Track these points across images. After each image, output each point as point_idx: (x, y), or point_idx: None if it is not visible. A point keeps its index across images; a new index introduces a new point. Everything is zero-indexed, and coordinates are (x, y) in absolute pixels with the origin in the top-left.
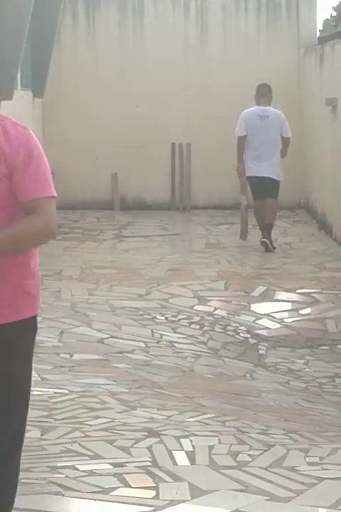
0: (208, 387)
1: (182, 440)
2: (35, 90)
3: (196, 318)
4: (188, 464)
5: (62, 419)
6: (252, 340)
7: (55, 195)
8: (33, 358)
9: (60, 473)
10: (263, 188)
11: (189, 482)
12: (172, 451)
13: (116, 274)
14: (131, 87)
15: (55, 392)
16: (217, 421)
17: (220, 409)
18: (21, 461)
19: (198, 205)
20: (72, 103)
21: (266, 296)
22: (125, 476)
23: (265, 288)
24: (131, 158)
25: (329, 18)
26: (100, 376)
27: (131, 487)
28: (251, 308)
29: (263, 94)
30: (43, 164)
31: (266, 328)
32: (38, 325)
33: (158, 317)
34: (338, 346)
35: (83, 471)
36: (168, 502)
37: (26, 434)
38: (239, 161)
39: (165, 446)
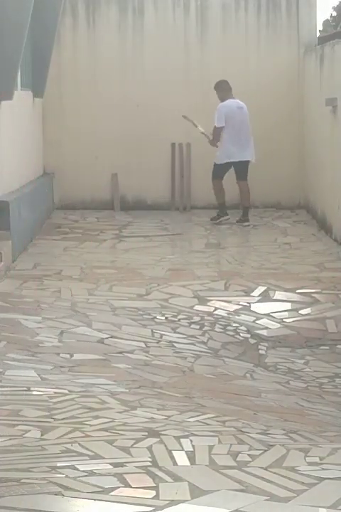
0: (208, 387)
1: (182, 440)
2: (35, 90)
3: (196, 318)
4: (188, 463)
5: (62, 419)
6: (252, 340)
7: None
8: (33, 357)
9: (60, 473)
10: (238, 170)
11: (189, 482)
12: (172, 451)
13: (116, 274)
14: (131, 87)
15: (55, 392)
16: (217, 421)
17: (220, 409)
18: (21, 461)
19: (198, 205)
20: (72, 103)
21: (266, 296)
22: (125, 476)
23: (265, 288)
24: (131, 158)
25: (329, 18)
26: (100, 376)
27: (131, 487)
28: (251, 308)
29: (229, 88)
30: None
31: (266, 328)
32: (38, 325)
33: (158, 317)
34: (338, 346)
35: (83, 471)
36: (168, 502)
37: (26, 434)
38: (214, 145)
39: (165, 446)
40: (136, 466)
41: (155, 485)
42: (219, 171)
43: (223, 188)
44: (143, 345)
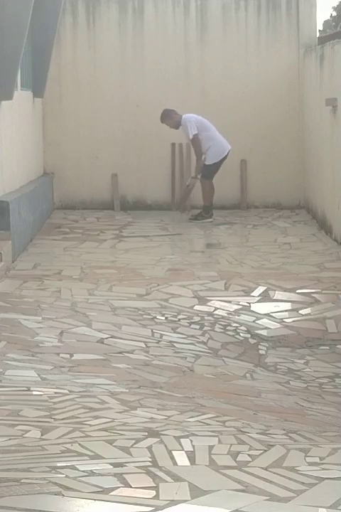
0: (208, 387)
1: (182, 440)
2: (35, 90)
3: (196, 318)
4: (188, 463)
5: (62, 419)
6: (252, 340)
7: None
8: (33, 358)
9: (60, 473)
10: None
11: (189, 482)
12: (173, 451)
13: (116, 274)
14: (131, 87)
15: (55, 392)
16: (217, 421)
17: (220, 409)
18: (21, 461)
19: (198, 205)
20: (72, 103)
21: (266, 296)
22: (125, 476)
23: (265, 288)
24: (131, 158)
25: (329, 18)
26: (100, 376)
27: (131, 487)
28: (251, 308)
29: (174, 110)
30: None
31: (266, 328)
32: (38, 325)
33: (158, 317)
34: (338, 346)
35: (83, 471)
36: (168, 502)
37: (26, 434)
38: (200, 158)
39: (165, 446)
40: (136, 466)
41: (155, 485)
42: (211, 171)
43: (213, 189)
44: (143, 345)
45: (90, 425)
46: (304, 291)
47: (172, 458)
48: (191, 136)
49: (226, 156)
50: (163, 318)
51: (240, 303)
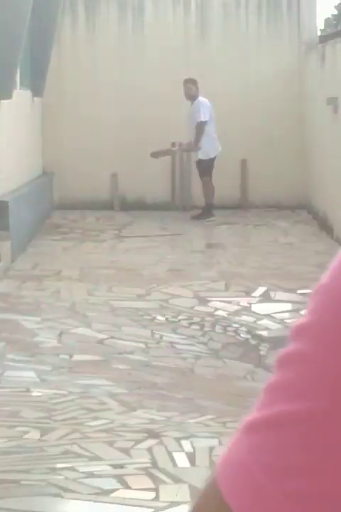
0: (208, 388)
1: (182, 441)
2: (35, 90)
3: (196, 319)
4: (188, 465)
5: (62, 420)
6: (253, 341)
7: None
8: (32, 358)
9: (60, 475)
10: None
11: (189, 484)
12: (173, 453)
13: (116, 275)
14: (131, 86)
15: (55, 393)
16: (218, 422)
17: (220, 410)
18: (20, 463)
19: (198, 205)
20: (72, 103)
21: (267, 297)
22: (125, 477)
23: (265, 288)
24: (131, 158)
25: (330, 16)
26: (100, 377)
27: (131, 489)
28: (252, 309)
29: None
30: None
31: (267, 328)
32: (38, 325)
33: (158, 318)
34: None
35: (82, 472)
36: (168, 503)
37: (25, 436)
38: (197, 144)
39: (165, 447)
40: (135, 468)
41: (155, 486)
42: (209, 166)
43: (214, 188)
44: (143, 346)
45: (90, 426)
46: (305, 291)
47: (172, 459)
48: (200, 120)
49: (216, 155)
50: (163, 318)
51: (240, 303)
